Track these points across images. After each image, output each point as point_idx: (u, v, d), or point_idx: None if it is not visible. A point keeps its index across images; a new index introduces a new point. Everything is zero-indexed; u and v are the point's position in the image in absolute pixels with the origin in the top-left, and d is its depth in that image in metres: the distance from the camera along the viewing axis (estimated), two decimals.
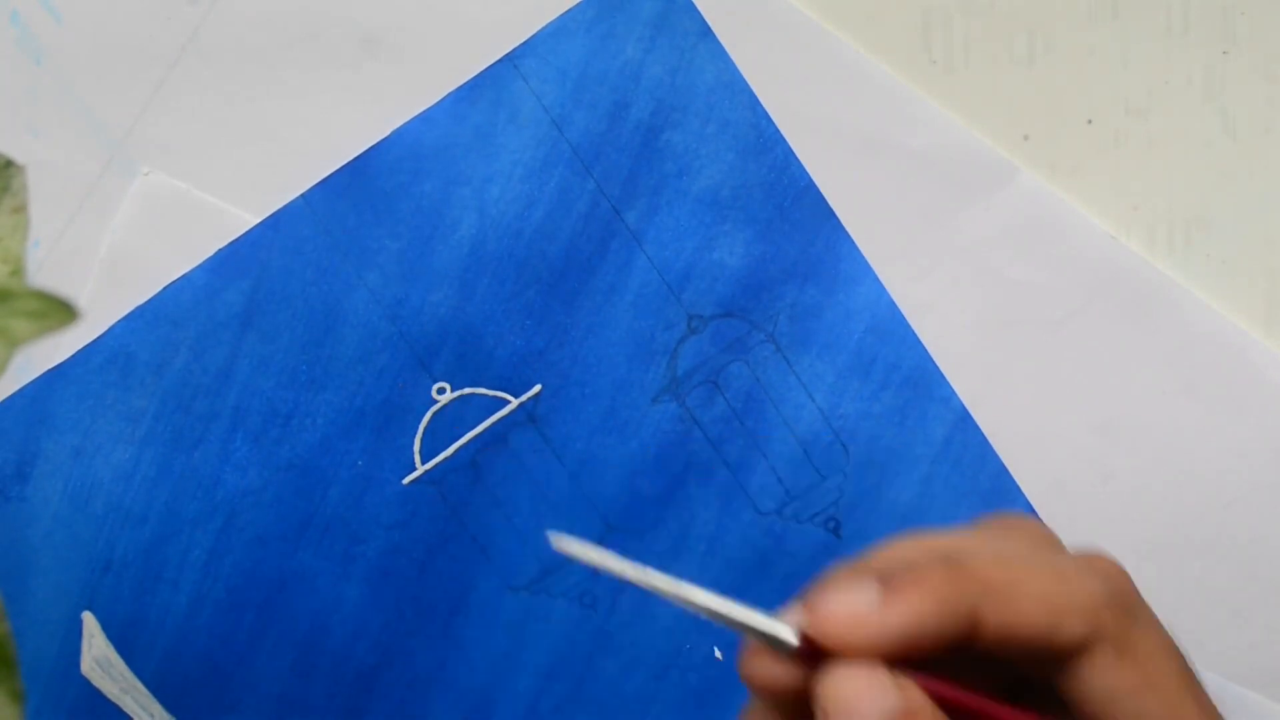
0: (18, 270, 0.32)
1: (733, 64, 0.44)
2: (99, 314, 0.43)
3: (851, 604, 0.29)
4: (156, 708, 0.45)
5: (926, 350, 0.45)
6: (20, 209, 0.34)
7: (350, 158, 0.43)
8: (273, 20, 0.43)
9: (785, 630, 0.29)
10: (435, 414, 0.44)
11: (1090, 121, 0.45)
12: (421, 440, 0.44)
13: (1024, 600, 0.29)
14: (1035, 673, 0.31)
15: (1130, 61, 0.45)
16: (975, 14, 0.45)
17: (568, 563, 0.45)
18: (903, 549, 0.31)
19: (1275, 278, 0.46)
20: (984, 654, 0.30)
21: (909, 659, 0.29)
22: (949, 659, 0.30)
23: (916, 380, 0.45)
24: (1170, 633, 0.32)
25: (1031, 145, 0.45)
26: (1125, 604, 0.30)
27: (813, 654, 0.29)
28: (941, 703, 0.29)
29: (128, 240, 0.44)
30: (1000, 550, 0.31)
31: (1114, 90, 0.45)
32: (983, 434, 0.45)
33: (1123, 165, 0.45)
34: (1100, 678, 0.30)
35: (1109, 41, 0.45)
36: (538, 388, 0.44)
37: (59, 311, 0.29)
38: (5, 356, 0.29)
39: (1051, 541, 0.33)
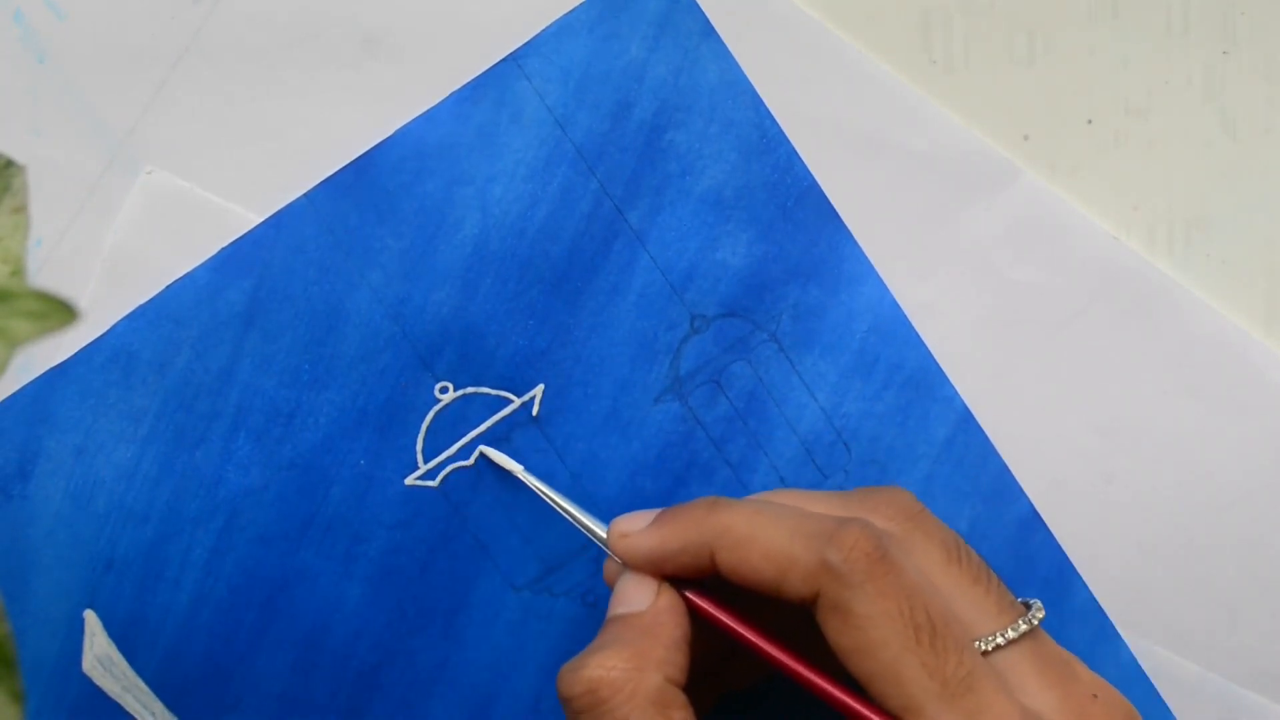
0: (18, 270, 0.32)
1: (736, 64, 0.44)
2: (101, 313, 0.43)
3: (627, 526, 0.39)
4: (158, 706, 0.45)
5: (929, 350, 0.45)
6: (20, 209, 0.34)
7: (353, 157, 0.43)
8: (275, 20, 0.43)
9: (604, 535, 0.40)
10: (438, 413, 0.44)
11: (1090, 121, 0.45)
12: (424, 440, 0.44)
13: (754, 552, 0.36)
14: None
15: (1130, 61, 0.45)
16: (975, 14, 0.45)
17: (570, 562, 0.45)
18: (759, 495, 0.40)
19: (1275, 278, 0.46)
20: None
21: (679, 574, 0.38)
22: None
23: (918, 380, 0.45)
24: (917, 588, 0.36)
25: (1031, 145, 0.45)
26: (856, 568, 0.35)
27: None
28: (703, 615, 0.38)
29: (130, 239, 0.44)
30: (767, 510, 0.37)
31: (1114, 90, 0.45)
32: (984, 434, 0.45)
33: (1123, 165, 0.45)
34: (830, 635, 0.36)
35: (1109, 41, 0.45)
36: (540, 387, 0.44)
37: (59, 312, 0.29)
38: (5, 356, 0.29)
39: (910, 513, 0.38)
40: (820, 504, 0.39)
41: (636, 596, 0.39)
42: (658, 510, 0.40)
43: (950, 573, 0.38)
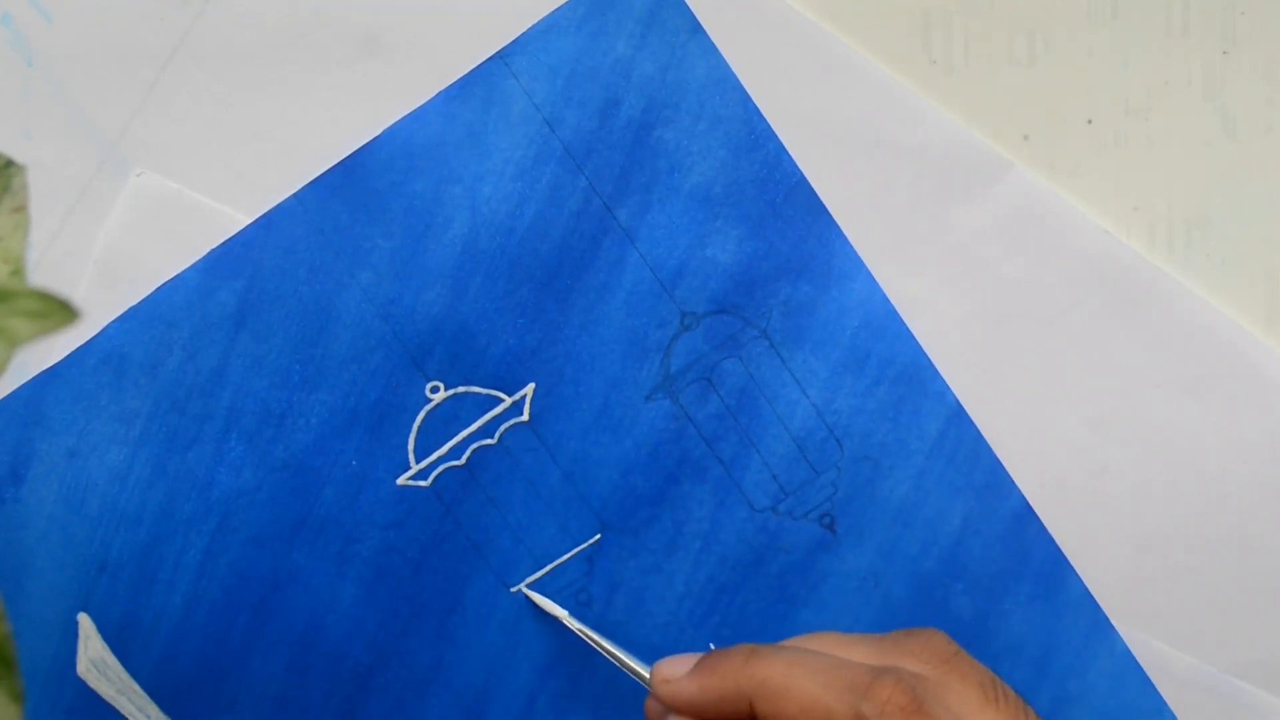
0: (18, 270, 0.32)
1: (723, 60, 0.44)
2: (93, 315, 0.43)
3: (669, 671, 0.40)
4: (153, 709, 0.45)
5: (920, 346, 0.45)
6: (20, 209, 0.34)
7: (342, 157, 0.43)
8: (264, 21, 0.43)
9: (646, 678, 0.41)
10: (429, 413, 0.44)
11: (1090, 121, 0.45)
12: (415, 439, 0.44)
13: (790, 704, 0.37)
14: None
15: (1130, 61, 0.45)
16: (975, 14, 0.45)
17: (563, 562, 0.45)
18: (798, 640, 0.40)
19: (1275, 278, 0.46)
20: None
21: None
22: None
23: (910, 376, 0.45)
24: None
25: (1031, 145, 0.45)
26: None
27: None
28: None
29: (121, 241, 0.44)
30: (803, 660, 0.38)
31: (1114, 90, 0.45)
32: (976, 429, 0.45)
33: (1123, 165, 0.45)
34: None
35: (1109, 41, 0.45)
36: (531, 386, 0.44)
37: (59, 311, 0.29)
38: (5, 356, 0.29)
39: (945, 655, 0.39)
40: (857, 649, 0.39)
41: None
42: (698, 656, 0.40)
43: (988, 714, 0.38)
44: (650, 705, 0.41)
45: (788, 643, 0.40)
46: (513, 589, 0.45)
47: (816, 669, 0.37)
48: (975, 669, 0.39)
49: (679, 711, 0.40)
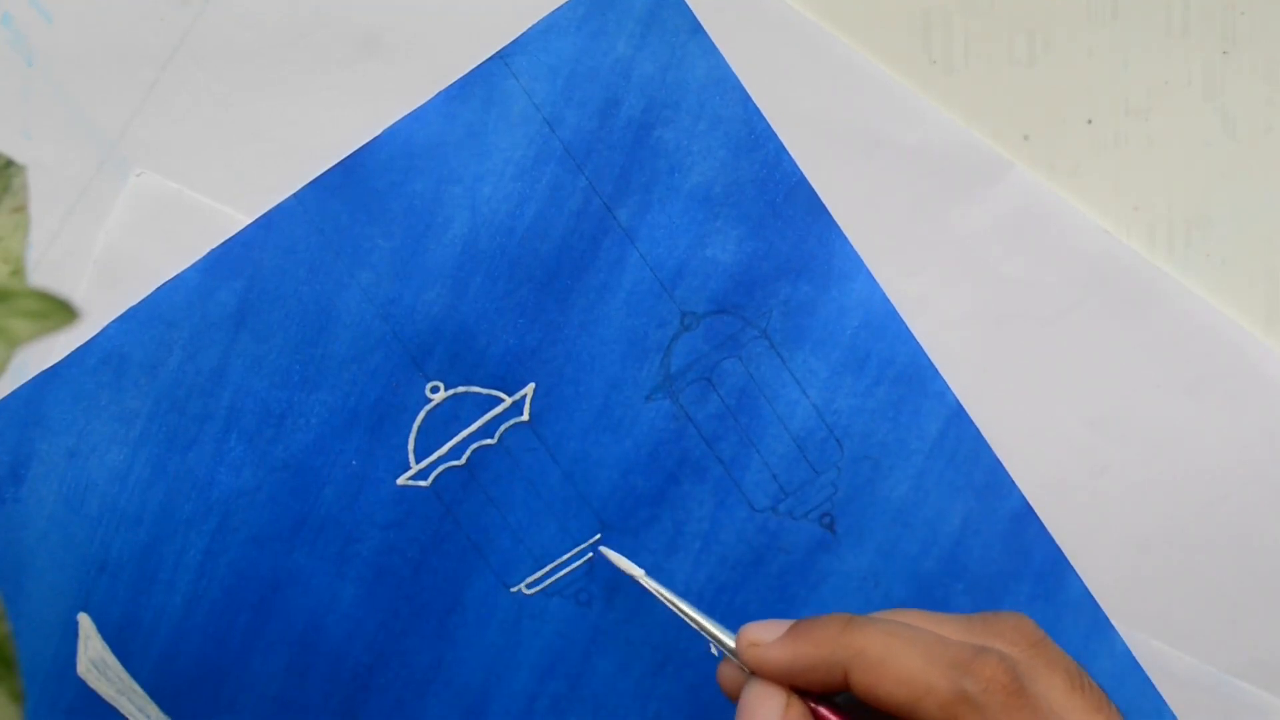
0: (18, 270, 0.32)
1: (723, 60, 0.44)
2: (93, 315, 0.43)
3: (757, 635, 0.39)
4: (153, 709, 0.45)
5: (920, 346, 0.45)
6: (20, 209, 0.34)
7: (342, 157, 0.43)
8: (263, 21, 0.43)
9: (730, 643, 0.40)
10: (429, 413, 0.44)
11: (1090, 121, 0.45)
12: (415, 439, 0.44)
13: (888, 676, 0.37)
14: None
15: (1130, 61, 0.45)
16: (975, 14, 0.45)
17: (563, 561, 0.45)
18: (888, 614, 0.40)
19: (1275, 278, 0.46)
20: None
21: (809, 688, 0.39)
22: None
23: (910, 376, 0.45)
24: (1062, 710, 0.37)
25: (1031, 145, 0.45)
26: (993, 700, 0.36)
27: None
28: None
29: (121, 241, 0.44)
30: (902, 632, 0.37)
31: (1114, 90, 0.45)
32: (976, 428, 0.45)
33: (1123, 165, 0.45)
34: None
35: (1109, 41, 0.45)
36: (531, 386, 0.44)
37: (59, 311, 0.29)
38: (5, 356, 0.29)
39: (1034, 640, 0.38)
40: (947, 625, 0.39)
41: (766, 708, 0.39)
42: (789, 622, 0.40)
43: (1074, 701, 0.38)
44: (725, 671, 0.41)
45: (879, 615, 0.40)
46: (513, 589, 0.45)
47: (916, 642, 0.37)
48: (1062, 656, 0.38)
49: (768, 677, 0.39)
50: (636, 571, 0.43)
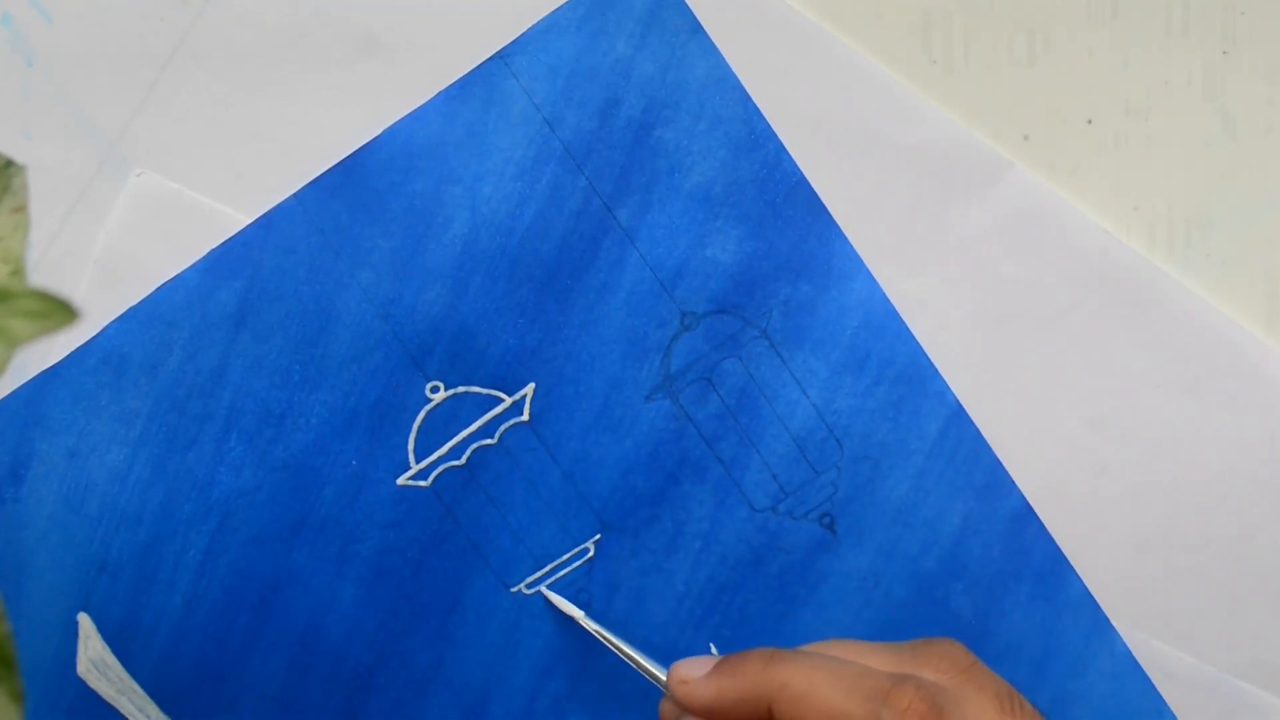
0: (18, 270, 0.32)
1: (723, 60, 0.44)
2: (93, 315, 0.43)
3: (686, 673, 0.40)
4: (153, 709, 0.45)
5: (920, 346, 0.45)
6: (20, 209, 0.34)
7: (342, 157, 0.43)
8: (264, 21, 0.43)
9: (662, 680, 0.41)
10: (429, 413, 0.44)
11: (1090, 121, 0.45)
12: (415, 439, 0.44)
13: (810, 709, 0.37)
14: None
15: (1130, 61, 0.45)
16: (975, 14, 0.45)
17: (562, 562, 0.45)
18: (816, 646, 0.40)
19: (1275, 278, 0.46)
20: None
21: None
22: None
23: (910, 376, 0.45)
24: None
25: (1031, 145, 0.45)
26: None
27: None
28: None
29: (121, 241, 0.44)
30: (824, 665, 0.38)
31: (1114, 90, 0.45)
32: (976, 429, 0.45)
33: (1123, 165, 0.45)
34: None
35: (1109, 41, 0.45)
36: (531, 386, 0.44)
37: (59, 311, 0.29)
38: (5, 356, 0.29)
39: (963, 665, 0.39)
40: (875, 656, 0.40)
41: None
42: (717, 658, 0.40)
43: None
44: (665, 706, 0.41)
45: (806, 648, 0.40)
46: (513, 589, 0.45)
47: (838, 675, 0.38)
48: (992, 679, 0.39)
49: (696, 713, 0.40)
50: (576, 613, 0.44)
